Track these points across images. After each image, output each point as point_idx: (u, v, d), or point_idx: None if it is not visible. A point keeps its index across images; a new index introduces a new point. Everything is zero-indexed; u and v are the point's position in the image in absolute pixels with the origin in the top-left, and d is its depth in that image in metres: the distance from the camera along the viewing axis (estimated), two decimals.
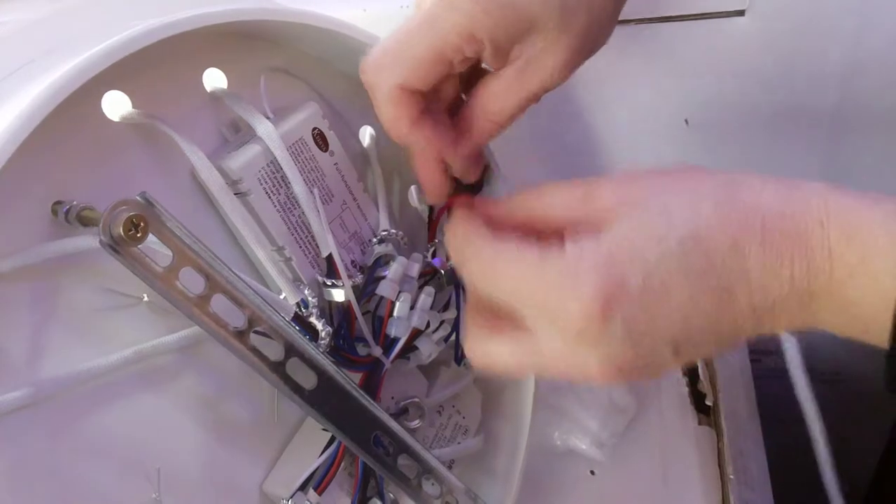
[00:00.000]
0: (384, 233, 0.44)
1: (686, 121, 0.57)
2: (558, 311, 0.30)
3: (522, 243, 0.32)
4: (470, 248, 0.33)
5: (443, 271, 0.46)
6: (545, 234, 0.33)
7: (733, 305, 0.29)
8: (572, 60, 0.35)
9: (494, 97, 0.36)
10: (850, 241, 0.27)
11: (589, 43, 0.36)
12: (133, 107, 0.33)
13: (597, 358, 0.30)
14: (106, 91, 0.32)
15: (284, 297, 0.38)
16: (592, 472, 0.60)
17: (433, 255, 0.46)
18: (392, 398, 0.46)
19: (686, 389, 0.65)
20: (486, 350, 0.34)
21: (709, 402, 0.63)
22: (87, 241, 0.30)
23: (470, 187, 0.41)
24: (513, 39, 0.34)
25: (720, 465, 0.60)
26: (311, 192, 0.40)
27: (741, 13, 0.51)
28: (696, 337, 0.30)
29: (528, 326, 0.32)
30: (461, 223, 0.34)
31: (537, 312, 0.31)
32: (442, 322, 0.46)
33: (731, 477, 0.58)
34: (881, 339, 0.27)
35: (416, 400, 0.46)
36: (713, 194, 0.29)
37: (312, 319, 0.38)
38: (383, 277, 0.42)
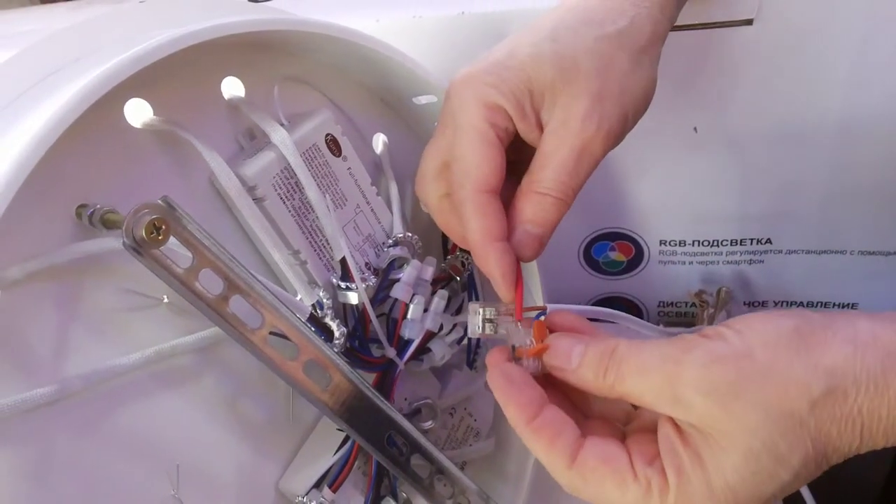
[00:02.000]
0: (398, 236, 0.45)
1: (695, 128, 0.58)
2: None
3: (619, 478, 0.32)
4: (557, 472, 0.33)
5: (457, 277, 0.47)
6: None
7: (838, 455, 0.31)
8: (597, 110, 0.35)
9: (539, 165, 0.36)
10: None
11: (611, 87, 0.36)
12: (154, 114, 0.34)
13: None
14: (129, 99, 0.33)
15: (300, 299, 0.39)
16: None
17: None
18: (405, 399, 0.47)
19: None
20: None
21: None
22: (111, 243, 0.31)
23: None
24: (529, 99, 0.36)
25: None
26: (324, 197, 0.40)
27: (749, 22, 0.51)
28: None
29: None
30: (532, 434, 0.33)
31: None
32: (455, 325, 0.47)
33: None
34: None
35: (429, 401, 0.47)
36: (813, 416, 0.30)
37: (327, 320, 0.39)
38: (397, 280, 0.43)
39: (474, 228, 0.35)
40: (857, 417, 0.29)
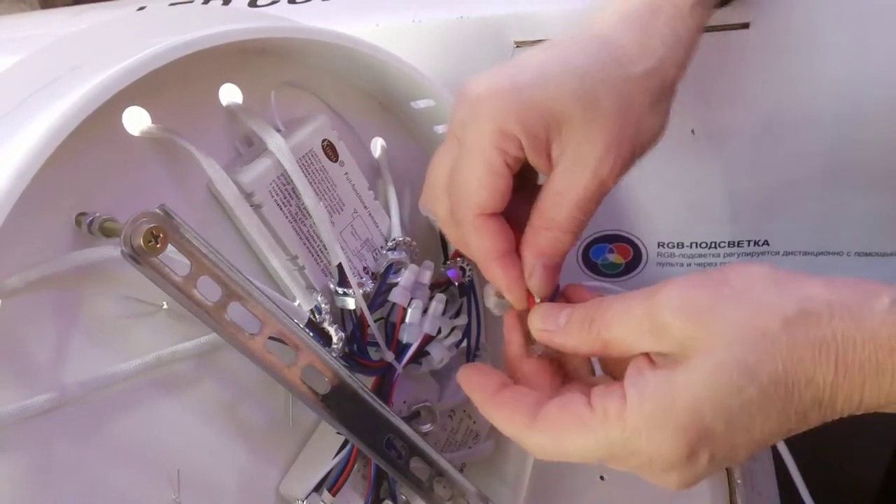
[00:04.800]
0: (395, 240, 0.45)
1: (692, 131, 0.58)
2: (643, 460, 0.32)
3: (575, 417, 0.33)
4: (521, 438, 0.35)
5: (456, 283, 0.47)
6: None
7: (807, 422, 0.31)
8: (613, 150, 0.35)
9: (550, 204, 0.36)
10: None
11: (628, 129, 0.36)
12: (152, 122, 0.34)
13: (679, 479, 0.32)
14: (127, 107, 0.33)
15: (298, 304, 0.39)
16: (602, 478, 0.61)
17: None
18: (404, 402, 0.47)
19: None
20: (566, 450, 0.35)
21: None
22: (109, 251, 0.32)
23: None
24: (546, 132, 0.35)
25: (727, 469, 0.60)
26: (321, 202, 0.41)
27: (746, 26, 0.52)
28: (771, 444, 0.33)
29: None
30: (494, 409, 0.36)
31: (620, 462, 0.33)
32: (453, 328, 0.47)
33: (739, 482, 0.58)
34: None
35: (428, 404, 0.47)
36: (785, 333, 0.30)
37: (326, 325, 0.39)
38: (395, 284, 0.43)
39: (476, 247, 0.36)
40: (831, 342, 0.29)
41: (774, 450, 0.61)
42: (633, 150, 0.37)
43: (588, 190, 0.35)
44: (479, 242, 0.36)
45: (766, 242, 0.64)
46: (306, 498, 0.40)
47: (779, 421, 0.31)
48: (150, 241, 0.30)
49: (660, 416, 0.31)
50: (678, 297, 0.32)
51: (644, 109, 0.37)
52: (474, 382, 0.37)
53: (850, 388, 0.30)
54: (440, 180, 0.38)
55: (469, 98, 0.36)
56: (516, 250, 0.37)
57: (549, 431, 0.34)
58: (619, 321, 0.33)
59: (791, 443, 0.56)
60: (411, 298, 0.44)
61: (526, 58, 0.37)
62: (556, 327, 0.35)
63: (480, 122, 0.35)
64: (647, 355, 0.33)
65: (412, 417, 0.46)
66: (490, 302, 0.40)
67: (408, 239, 0.45)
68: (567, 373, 0.39)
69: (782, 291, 0.31)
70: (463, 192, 0.36)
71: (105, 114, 0.30)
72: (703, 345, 0.31)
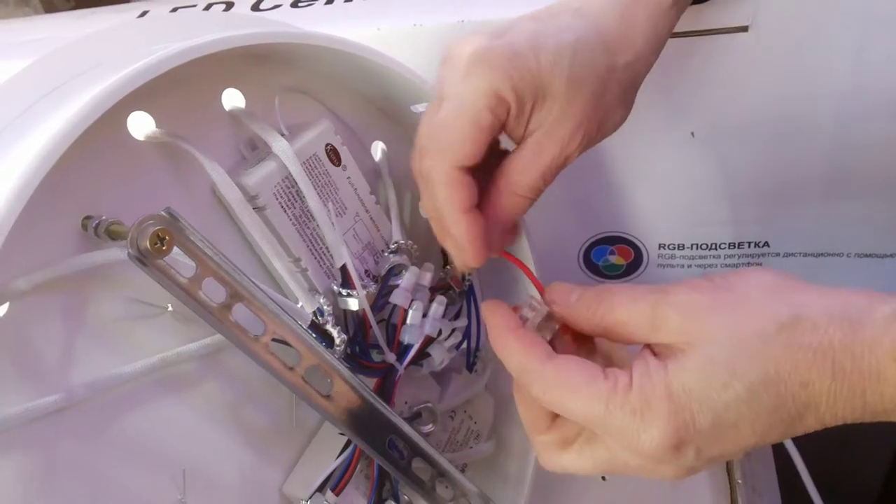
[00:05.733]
0: (396, 244, 0.45)
1: (692, 133, 0.58)
2: (632, 441, 0.32)
3: (588, 372, 0.34)
4: (531, 371, 0.35)
5: (456, 289, 0.48)
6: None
7: (803, 424, 0.31)
8: (582, 130, 0.37)
9: (519, 170, 0.37)
10: None
11: (599, 114, 0.38)
12: (157, 126, 0.34)
13: (673, 471, 0.33)
14: (131, 112, 0.34)
15: (301, 306, 0.40)
16: (603, 478, 0.61)
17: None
18: (406, 403, 0.47)
19: None
20: (563, 464, 0.37)
21: None
22: (116, 253, 0.32)
23: None
24: (532, 102, 0.36)
25: (728, 470, 0.60)
26: (325, 205, 0.41)
27: (745, 29, 0.52)
28: (765, 444, 0.33)
29: (599, 437, 0.35)
30: (515, 340, 0.36)
31: (610, 438, 0.34)
32: (454, 330, 0.47)
33: (740, 482, 0.59)
34: None
35: (429, 405, 0.47)
36: (778, 337, 0.30)
37: (328, 327, 0.40)
38: (396, 286, 0.44)
39: (445, 198, 0.36)
40: (827, 349, 0.30)
41: (782, 449, 0.61)
42: (598, 133, 0.38)
43: (554, 163, 0.37)
44: (448, 193, 0.36)
45: (766, 244, 0.65)
46: (310, 498, 0.40)
47: (770, 422, 0.31)
48: (156, 244, 0.30)
49: (656, 401, 0.32)
50: (681, 296, 0.33)
51: (615, 99, 0.38)
52: (497, 312, 0.37)
53: (850, 395, 0.30)
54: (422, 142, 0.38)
55: (463, 56, 0.36)
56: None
57: (560, 375, 0.34)
58: (624, 309, 0.35)
59: (796, 442, 0.56)
60: (412, 300, 0.44)
61: (518, 24, 0.37)
62: (568, 304, 0.37)
63: (474, 81, 0.35)
64: (650, 347, 0.34)
65: (414, 418, 0.47)
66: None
67: (409, 242, 0.46)
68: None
69: (780, 298, 0.32)
70: (445, 143, 0.36)
71: (110, 119, 0.30)
72: (697, 341, 0.32)
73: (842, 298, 0.31)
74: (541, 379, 0.35)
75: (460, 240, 0.37)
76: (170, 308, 0.35)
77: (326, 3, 0.63)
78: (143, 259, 0.30)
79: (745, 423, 0.31)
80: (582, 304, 0.36)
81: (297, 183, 0.40)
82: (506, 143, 0.39)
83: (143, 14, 0.70)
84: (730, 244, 0.65)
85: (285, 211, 0.39)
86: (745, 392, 0.31)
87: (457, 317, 0.49)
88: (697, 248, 0.66)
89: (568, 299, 0.37)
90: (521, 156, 0.37)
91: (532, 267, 0.51)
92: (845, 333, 0.30)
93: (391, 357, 0.44)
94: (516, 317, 0.37)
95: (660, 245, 0.67)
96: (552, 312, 0.38)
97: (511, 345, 0.36)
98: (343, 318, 0.42)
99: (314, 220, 0.41)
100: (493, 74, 0.35)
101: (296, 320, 0.36)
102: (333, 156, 0.42)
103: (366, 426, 0.40)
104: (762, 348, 0.30)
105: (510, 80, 0.35)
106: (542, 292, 0.39)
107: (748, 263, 0.66)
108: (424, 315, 0.45)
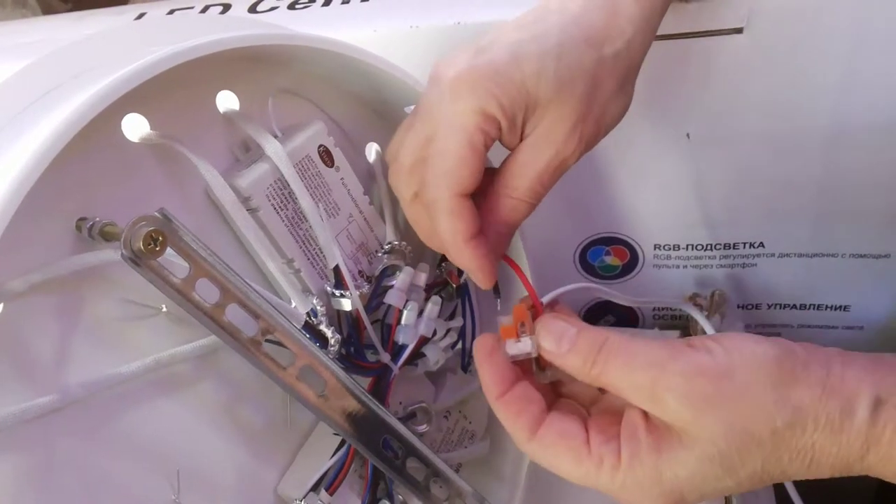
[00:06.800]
0: (390, 244, 0.46)
1: (688, 135, 0.59)
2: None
3: (573, 454, 0.35)
4: (517, 440, 0.37)
5: (453, 285, 0.48)
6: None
7: (784, 477, 0.34)
8: (578, 130, 0.37)
9: (516, 174, 0.38)
10: None
11: (595, 110, 0.37)
12: (151, 128, 0.35)
13: None
14: (126, 114, 0.34)
15: (295, 307, 0.40)
16: None
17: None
18: (400, 403, 0.47)
19: None
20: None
21: None
22: (109, 254, 0.32)
23: None
24: (523, 113, 0.36)
25: None
26: (317, 206, 0.41)
27: (739, 31, 0.52)
28: None
29: None
30: (502, 406, 0.37)
31: (611, 494, 0.35)
32: (448, 330, 0.48)
33: None
34: None
35: (424, 405, 0.47)
36: (771, 441, 0.32)
37: (322, 327, 0.40)
38: (391, 287, 0.44)
39: (449, 229, 0.36)
40: (808, 450, 0.32)
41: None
42: (597, 130, 0.38)
43: (550, 165, 0.37)
44: (452, 224, 0.36)
45: (761, 244, 0.65)
46: (304, 498, 0.41)
47: (753, 484, 0.34)
48: (149, 244, 0.30)
49: (647, 483, 0.33)
50: (682, 383, 0.33)
51: (610, 92, 0.38)
52: (487, 371, 0.37)
53: (818, 475, 0.33)
54: (409, 160, 0.38)
55: (447, 79, 0.36)
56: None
57: (546, 451, 0.36)
58: (620, 376, 0.34)
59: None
60: (407, 300, 0.44)
61: (500, 36, 0.37)
62: (559, 352, 0.36)
63: (460, 104, 0.35)
64: (642, 411, 0.35)
65: (408, 418, 0.47)
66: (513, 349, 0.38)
67: (403, 243, 0.46)
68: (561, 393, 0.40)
69: (779, 395, 0.32)
70: (441, 173, 0.36)
71: (105, 121, 0.31)
72: (695, 431, 0.33)
73: (831, 394, 0.32)
74: (530, 452, 0.36)
75: (467, 267, 0.38)
76: (164, 309, 0.36)
77: (324, 5, 0.63)
78: (136, 260, 0.30)
79: (730, 490, 0.34)
80: (576, 357, 0.35)
81: (289, 185, 0.40)
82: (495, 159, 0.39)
83: (141, 16, 0.70)
84: (725, 245, 0.66)
85: (278, 212, 0.40)
86: (734, 485, 0.33)
87: (452, 316, 0.49)
88: (693, 249, 0.66)
89: (559, 348, 0.36)
90: (516, 159, 0.38)
91: (525, 267, 0.52)
92: (825, 438, 0.32)
93: (386, 357, 0.44)
94: (504, 370, 0.37)
95: (655, 245, 0.67)
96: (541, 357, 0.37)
97: (499, 410, 0.37)
98: (337, 318, 0.42)
99: (307, 221, 0.41)
100: (477, 95, 0.35)
101: (289, 321, 0.37)
102: (326, 157, 0.42)
103: (360, 426, 0.40)
104: (755, 451, 0.32)
105: (495, 98, 0.35)
106: (536, 303, 0.38)
107: (744, 264, 0.67)
108: (419, 315, 0.45)
